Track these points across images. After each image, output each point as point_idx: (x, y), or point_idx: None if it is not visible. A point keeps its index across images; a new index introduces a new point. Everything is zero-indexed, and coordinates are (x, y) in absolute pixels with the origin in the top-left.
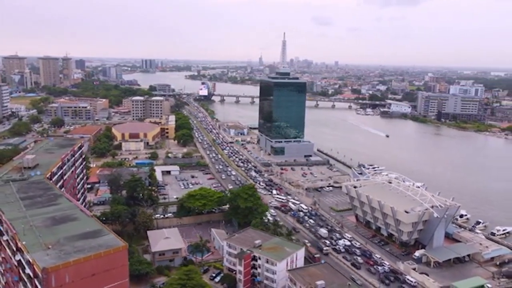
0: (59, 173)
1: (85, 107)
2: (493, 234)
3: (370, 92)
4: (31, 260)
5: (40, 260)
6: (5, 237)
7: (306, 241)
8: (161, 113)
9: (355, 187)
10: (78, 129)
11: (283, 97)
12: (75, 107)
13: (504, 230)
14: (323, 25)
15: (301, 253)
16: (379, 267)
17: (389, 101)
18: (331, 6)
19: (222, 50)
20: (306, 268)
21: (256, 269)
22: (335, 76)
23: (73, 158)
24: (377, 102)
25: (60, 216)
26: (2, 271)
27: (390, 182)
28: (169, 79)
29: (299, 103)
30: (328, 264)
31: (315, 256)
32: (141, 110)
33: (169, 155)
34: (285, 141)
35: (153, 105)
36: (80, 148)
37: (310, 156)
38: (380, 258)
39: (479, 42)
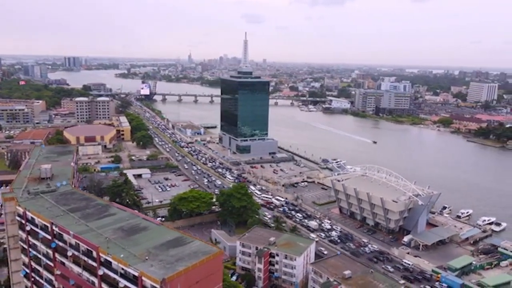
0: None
1: (23, 110)
2: (458, 217)
3: (307, 89)
4: (136, 273)
5: (148, 272)
6: (69, 253)
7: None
8: (108, 115)
9: (338, 181)
10: (24, 133)
11: (248, 96)
12: (10, 109)
13: (467, 212)
14: (253, 23)
15: (313, 247)
16: (366, 248)
17: (329, 98)
18: (263, 5)
19: (147, 47)
20: (326, 260)
21: (274, 265)
22: (267, 74)
23: (75, 166)
24: (318, 99)
25: (128, 226)
26: None
27: (365, 175)
28: (99, 77)
29: (263, 101)
30: (344, 255)
31: None
32: (86, 112)
33: (133, 158)
34: (250, 140)
35: (99, 106)
36: (76, 154)
37: (275, 153)
38: (367, 241)
39: (394, 42)
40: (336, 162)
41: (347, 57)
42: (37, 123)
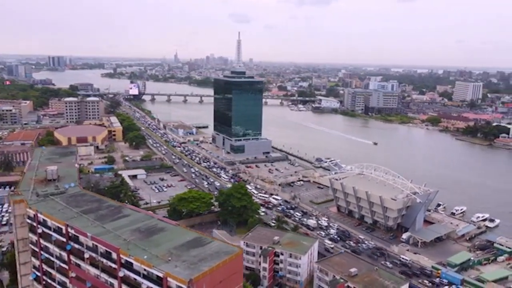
0: None
1: (10, 110)
2: (453, 214)
3: (295, 88)
4: (161, 274)
5: (173, 272)
6: (86, 255)
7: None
8: (98, 115)
9: (336, 179)
10: (14, 134)
11: (242, 96)
12: None
13: (461, 209)
14: (240, 23)
15: (316, 245)
16: (363, 245)
17: (319, 97)
18: (250, 4)
19: (132, 47)
20: (330, 258)
21: (278, 264)
22: (255, 73)
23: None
24: (307, 99)
25: (145, 227)
26: None
27: (362, 173)
28: (85, 77)
29: (257, 101)
30: (348, 253)
31: None
32: (76, 112)
33: (126, 158)
34: (244, 139)
35: (89, 106)
36: (77, 156)
37: (269, 153)
38: (364, 238)
39: (379, 41)
40: (331, 161)
41: (333, 56)
42: (25, 124)
